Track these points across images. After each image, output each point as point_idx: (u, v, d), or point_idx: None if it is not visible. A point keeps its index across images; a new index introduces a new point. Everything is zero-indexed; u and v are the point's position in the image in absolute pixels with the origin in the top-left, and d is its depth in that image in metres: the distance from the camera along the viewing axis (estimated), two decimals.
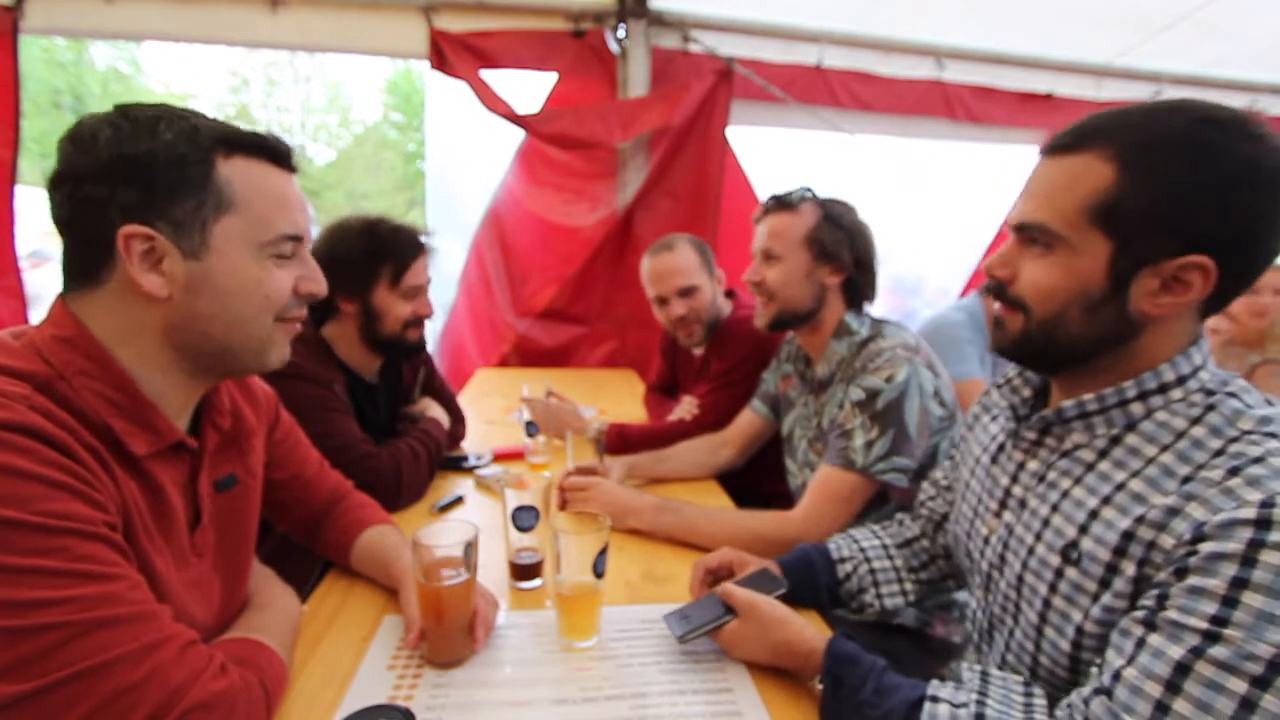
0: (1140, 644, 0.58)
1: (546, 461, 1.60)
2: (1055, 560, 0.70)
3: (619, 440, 1.67)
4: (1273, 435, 0.60)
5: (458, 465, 1.54)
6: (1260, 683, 0.51)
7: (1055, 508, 0.72)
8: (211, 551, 0.79)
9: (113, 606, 0.55)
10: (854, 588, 1.03)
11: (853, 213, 1.36)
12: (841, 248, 1.31)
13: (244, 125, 0.69)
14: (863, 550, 1.05)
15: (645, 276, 1.89)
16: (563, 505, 1.27)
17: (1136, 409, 0.68)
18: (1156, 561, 0.61)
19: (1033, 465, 0.78)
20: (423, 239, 1.43)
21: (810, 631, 0.81)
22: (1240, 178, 0.61)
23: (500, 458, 1.61)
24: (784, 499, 1.49)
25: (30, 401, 0.57)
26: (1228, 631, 0.53)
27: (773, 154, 3.12)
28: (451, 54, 2.64)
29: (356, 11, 2.63)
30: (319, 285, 0.77)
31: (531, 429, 1.62)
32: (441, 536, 0.84)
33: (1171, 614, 0.57)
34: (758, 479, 1.70)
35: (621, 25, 2.75)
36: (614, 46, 2.81)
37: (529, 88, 2.82)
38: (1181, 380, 0.67)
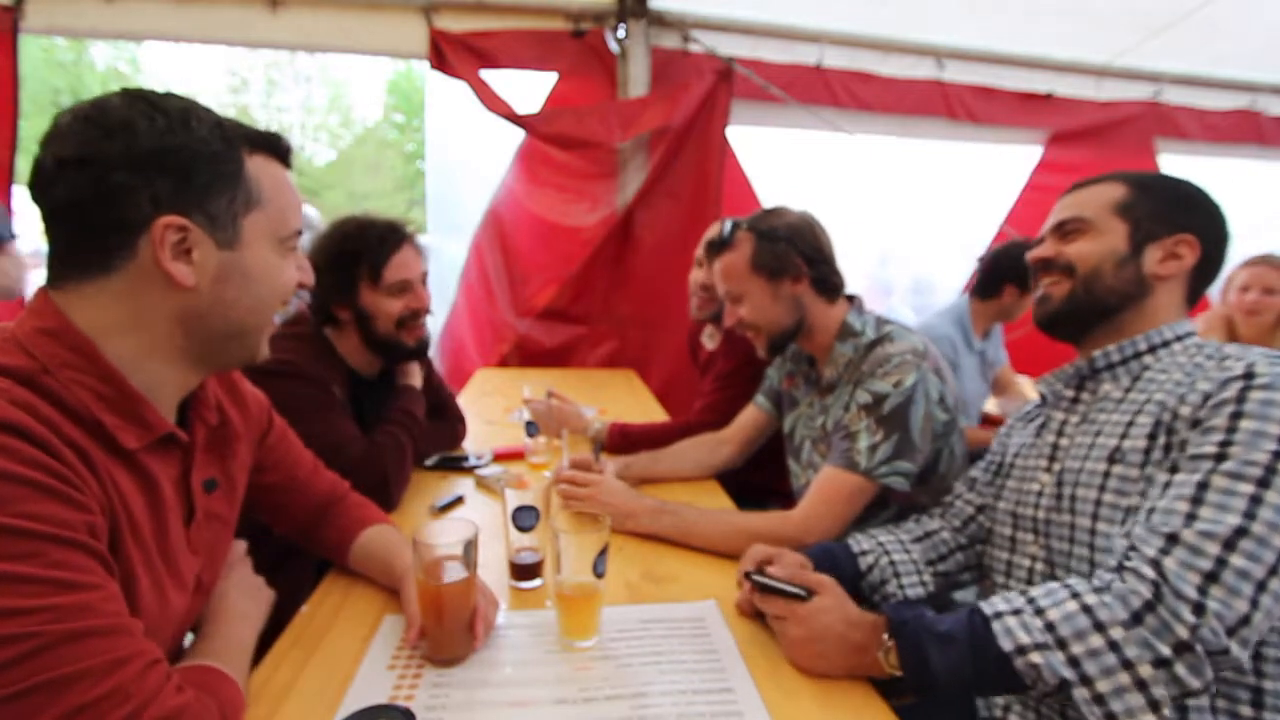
0: (1167, 485, 0.75)
1: (546, 461, 1.60)
2: (1102, 466, 0.85)
3: (620, 440, 1.67)
4: (1249, 351, 0.80)
5: (458, 465, 1.54)
6: (1263, 483, 0.68)
7: (1098, 433, 0.89)
8: (205, 549, 0.79)
9: (84, 618, 0.54)
10: (877, 579, 1.06)
11: (784, 216, 1.34)
12: (788, 257, 1.30)
13: (245, 122, 0.73)
14: (881, 544, 1.09)
15: (705, 237, 1.92)
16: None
17: (1149, 359, 0.90)
18: (1178, 429, 0.78)
19: (1074, 418, 0.95)
20: (402, 230, 1.39)
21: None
22: (1203, 196, 0.94)
23: (500, 458, 1.61)
24: (786, 498, 1.49)
25: (11, 396, 0.56)
26: (1232, 449, 0.70)
27: (773, 154, 3.13)
28: (451, 54, 2.64)
29: (356, 11, 2.63)
30: (309, 276, 0.84)
31: (532, 429, 1.62)
32: (442, 535, 0.84)
33: (1190, 451, 0.74)
34: (762, 478, 1.70)
35: (621, 25, 2.76)
36: (614, 46, 2.81)
37: (529, 88, 2.83)
38: (1179, 338, 0.90)
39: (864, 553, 1.08)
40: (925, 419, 1.20)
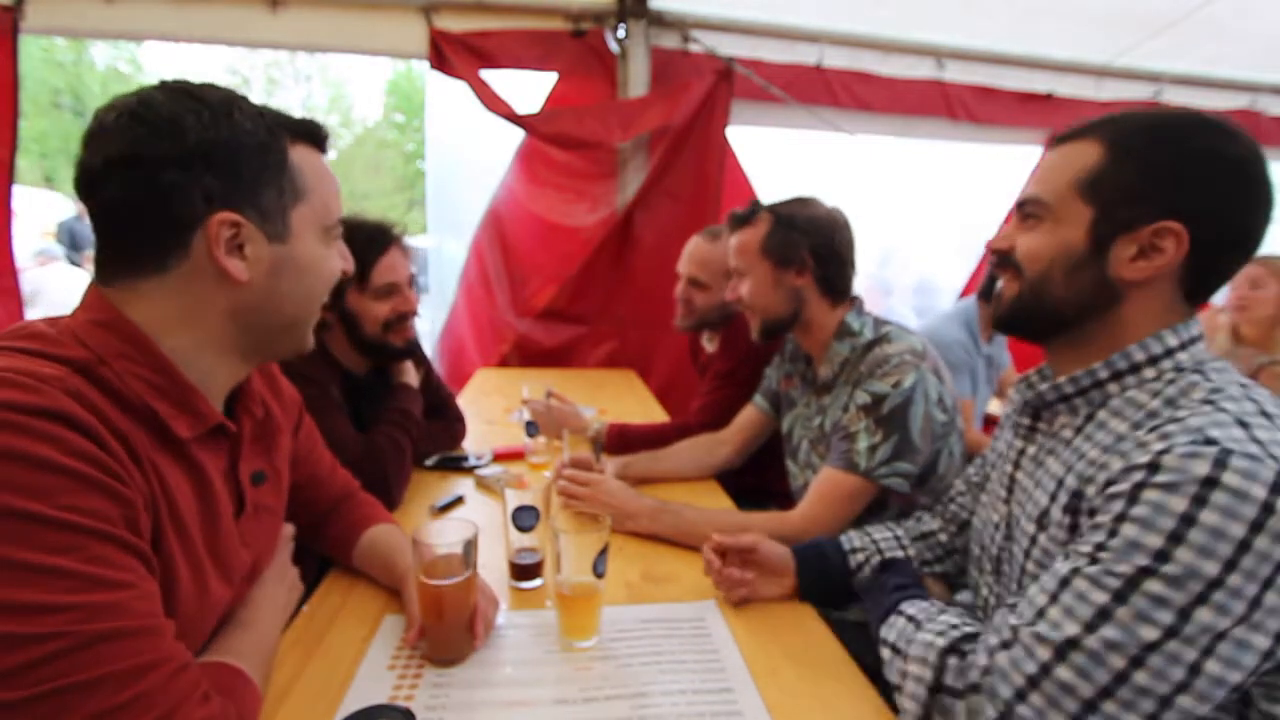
0: (1047, 569, 0.68)
1: (546, 461, 1.60)
2: (1031, 529, 0.77)
3: (619, 440, 1.67)
4: (1211, 403, 0.65)
5: (458, 465, 1.54)
6: (1118, 597, 0.60)
7: (1038, 483, 0.79)
8: (256, 542, 0.80)
9: (115, 619, 0.53)
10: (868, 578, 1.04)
11: (809, 208, 1.34)
12: (797, 248, 1.31)
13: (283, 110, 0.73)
14: (874, 542, 1.07)
15: (684, 249, 1.95)
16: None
17: (1112, 388, 0.74)
18: (1082, 509, 0.69)
19: (1030, 450, 0.84)
20: (389, 232, 1.38)
21: None
22: (1213, 159, 0.69)
23: (500, 458, 1.61)
24: (786, 499, 1.49)
25: (65, 384, 0.55)
26: (1102, 554, 0.62)
27: (773, 154, 3.12)
28: (451, 54, 2.64)
29: (356, 11, 2.63)
30: (351, 263, 0.82)
31: (531, 429, 1.62)
32: (441, 535, 0.84)
33: (1074, 545, 0.66)
34: (762, 479, 1.70)
35: (621, 25, 2.76)
36: (614, 46, 2.81)
37: (529, 88, 2.82)
38: (1154, 360, 0.71)
39: (854, 550, 1.06)
40: (925, 419, 1.20)
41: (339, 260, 0.78)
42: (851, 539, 1.08)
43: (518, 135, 2.87)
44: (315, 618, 0.93)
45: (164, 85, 0.65)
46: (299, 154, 0.70)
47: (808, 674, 0.83)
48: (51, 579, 0.50)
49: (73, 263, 5.28)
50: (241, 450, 0.76)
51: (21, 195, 2.70)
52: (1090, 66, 3.24)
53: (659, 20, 2.79)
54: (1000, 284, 0.83)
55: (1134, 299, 0.72)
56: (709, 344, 2.03)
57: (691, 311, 1.89)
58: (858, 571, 1.04)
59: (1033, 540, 0.76)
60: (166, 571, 0.63)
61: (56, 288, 4.25)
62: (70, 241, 6.34)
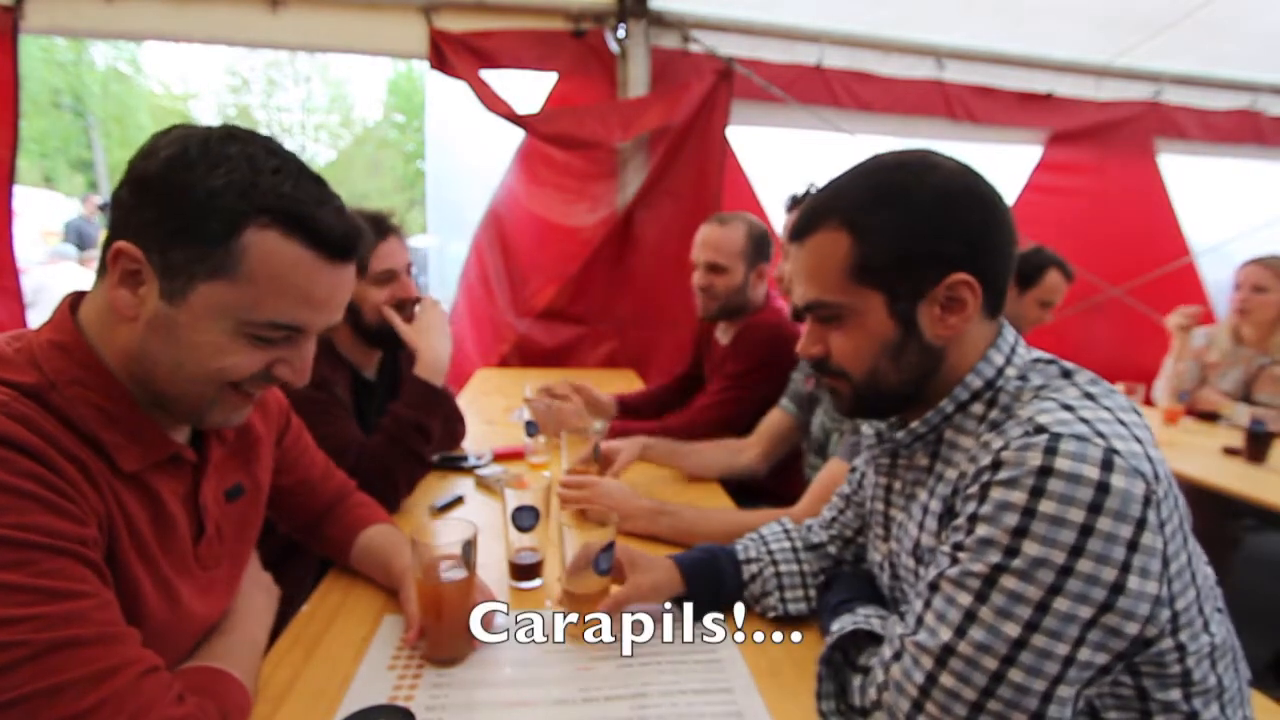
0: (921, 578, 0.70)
1: (546, 461, 1.60)
2: (912, 564, 0.77)
3: (621, 413, 1.68)
4: (1038, 397, 0.68)
5: (458, 465, 1.54)
6: (979, 596, 0.61)
7: (909, 516, 0.79)
8: (226, 560, 0.79)
9: (73, 627, 0.53)
10: (758, 591, 0.98)
11: None
12: None
13: (316, 204, 0.65)
14: (770, 553, 1.01)
15: (695, 239, 1.92)
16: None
17: (959, 418, 0.75)
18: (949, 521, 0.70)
19: (897, 485, 0.84)
20: (386, 222, 1.39)
21: None
22: (942, 202, 0.71)
23: (500, 458, 1.61)
24: (784, 500, 1.48)
25: (10, 409, 0.56)
26: (960, 555, 0.63)
27: (773, 154, 3.12)
28: (451, 54, 2.64)
29: (356, 11, 2.63)
30: (298, 377, 0.71)
31: (531, 429, 1.62)
32: (441, 535, 0.84)
33: (939, 548, 0.68)
34: (762, 480, 1.69)
35: (621, 25, 2.76)
36: (614, 46, 2.81)
37: (529, 88, 2.83)
38: (990, 384, 0.74)
39: (749, 561, 1.00)
40: None
41: (250, 362, 0.66)
42: (747, 548, 1.02)
43: (518, 135, 2.87)
44: (315, 618, 0.93)
45: (225, 125, 0.66)
46: (269, 240, 0.63)
47: (808, 674, 0.82)
48: (4, 594, 0.51)
49: (80, 264, 5.29)
50: (205, 474, 0.75)
51: (22, 195, 2.70)
52: (1090, 66, 3.24)
53: (659, 20, 2.79)
54: (827, 383, 0.82)
55: (954, 347, 0.75)
56: (723, 336, 2.00)
57: (714, 297, 1.85)
58: (750, 583, 0.99)
59: (916, 574, 0.76)
60: (130, 587, 0.63)
61: (61, 288, 4.25)
62: (78, 240, 6.36)
